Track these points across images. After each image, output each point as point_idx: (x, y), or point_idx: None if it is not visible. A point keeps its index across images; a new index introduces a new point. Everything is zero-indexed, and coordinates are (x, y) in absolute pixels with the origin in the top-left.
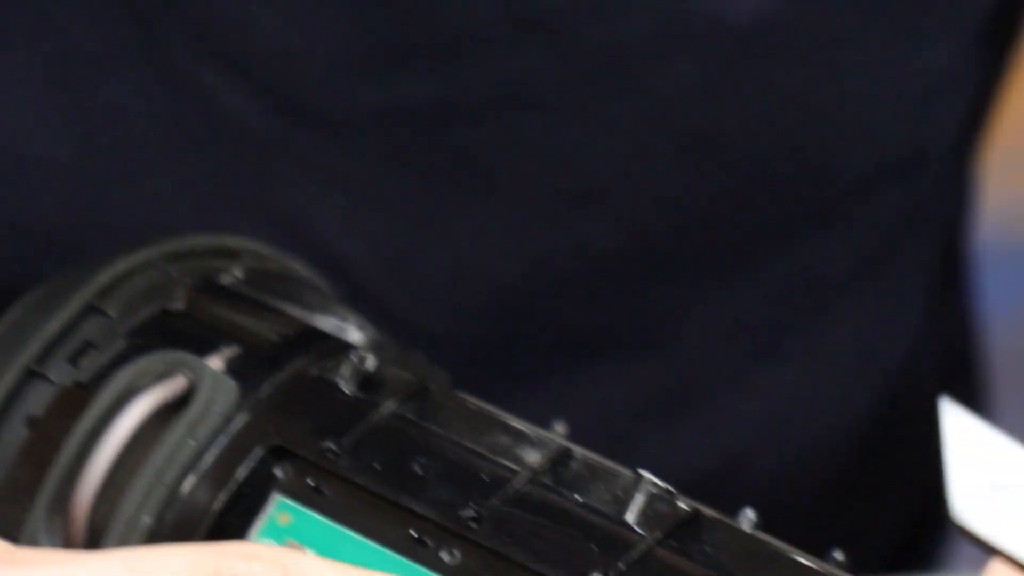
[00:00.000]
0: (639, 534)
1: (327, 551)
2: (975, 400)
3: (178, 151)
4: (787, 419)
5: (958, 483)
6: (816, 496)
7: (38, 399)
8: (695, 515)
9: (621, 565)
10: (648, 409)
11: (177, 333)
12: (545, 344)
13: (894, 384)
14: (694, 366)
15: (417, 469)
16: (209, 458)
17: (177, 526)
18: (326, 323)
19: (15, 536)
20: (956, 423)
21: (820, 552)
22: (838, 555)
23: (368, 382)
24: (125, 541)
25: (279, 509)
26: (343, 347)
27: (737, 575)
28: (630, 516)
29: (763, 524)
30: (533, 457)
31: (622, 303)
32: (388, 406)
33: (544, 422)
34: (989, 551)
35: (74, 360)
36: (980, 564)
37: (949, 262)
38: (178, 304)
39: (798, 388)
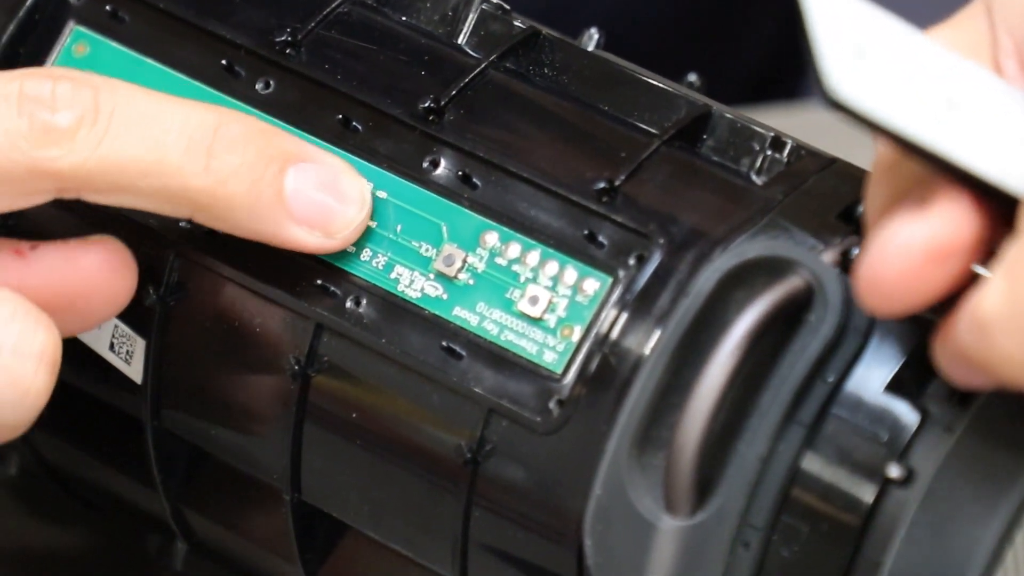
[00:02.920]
0: (472, 56)
1: None
2: None
3: None
4: None
5: (829, 56)
6: (670, 21)
7: None
8: (533, 34)
9: (453, 90)
10: None
11: None
12: None
13: None
14: None
15: None
16: None
17: None
18: None
19: None
20: None
21: (674, 77)
22: (693, 78)
23: None
24: None
25: (75, 39)
26: None
27: (579, 97)
28: (461, 37)
29: (612, 47)
30: None
31: None
32: None
33: None
34: (869, 127)
35: None
36: None
37: None
38: None
39: None
